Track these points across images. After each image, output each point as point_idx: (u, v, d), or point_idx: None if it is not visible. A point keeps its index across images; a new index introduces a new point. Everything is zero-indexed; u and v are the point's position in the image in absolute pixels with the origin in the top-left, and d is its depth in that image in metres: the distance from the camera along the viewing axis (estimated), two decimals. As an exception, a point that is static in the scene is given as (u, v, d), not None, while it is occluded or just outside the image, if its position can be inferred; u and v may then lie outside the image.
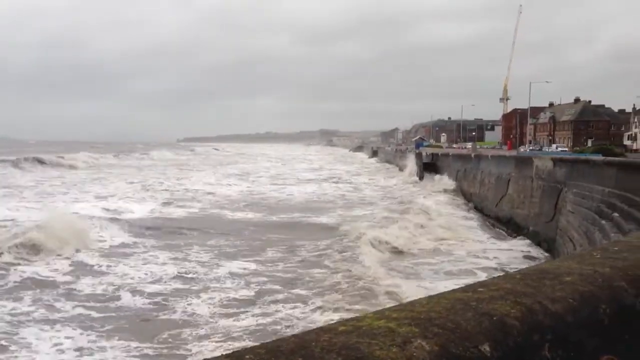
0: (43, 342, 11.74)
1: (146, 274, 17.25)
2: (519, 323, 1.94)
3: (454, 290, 2.35)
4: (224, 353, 1.73)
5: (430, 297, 2.25)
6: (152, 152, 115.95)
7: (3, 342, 11.64)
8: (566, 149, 64.55)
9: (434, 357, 1.68)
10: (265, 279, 16.83)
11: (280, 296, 15.07)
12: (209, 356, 2.20)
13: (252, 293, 15.38)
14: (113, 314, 13.79)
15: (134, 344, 11.74)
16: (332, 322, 2.00)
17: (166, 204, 35.01)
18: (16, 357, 11.04)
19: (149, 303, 14.67)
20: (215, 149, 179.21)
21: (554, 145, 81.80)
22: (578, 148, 69.70)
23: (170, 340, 12.08)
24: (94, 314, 13.66)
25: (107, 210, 30.39)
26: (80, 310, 13.94)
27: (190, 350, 11.53)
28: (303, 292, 15.46)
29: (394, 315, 1.93)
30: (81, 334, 12.34)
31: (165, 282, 16.57)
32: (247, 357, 1.61)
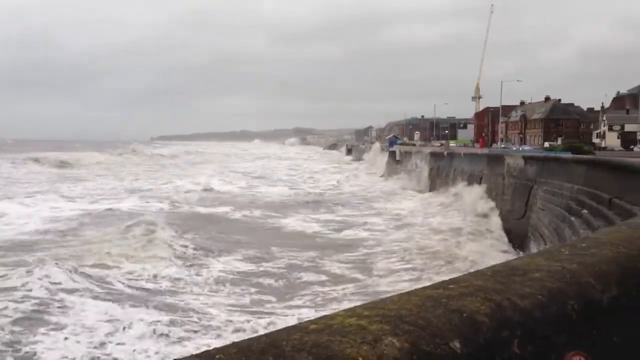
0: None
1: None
2: (488, 319, 1.96)
3: (424, 288, 2.36)
4: (193, 353, 1.71)
5: (401, 294, 2.26)
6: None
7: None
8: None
9: (404, 354, 1.68)
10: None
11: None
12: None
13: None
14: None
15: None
16: (304, 320, 2.00)
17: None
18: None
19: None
20: (196, 149, 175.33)
21: (546, 144, 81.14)
22: (548, 146, 70.70)
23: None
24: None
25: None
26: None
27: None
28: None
29: (365, 313, 1.93)
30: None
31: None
32: (218, 356, 1.59)
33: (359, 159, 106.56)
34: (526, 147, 69.91)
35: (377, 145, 65.10)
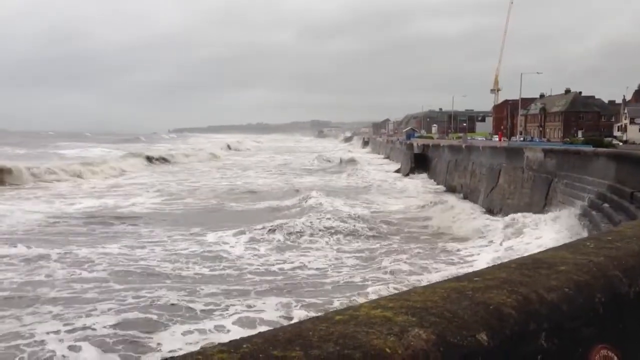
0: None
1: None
2: (515, 312, 1.94)
3: (448, 280, 2.35)
4: (220, 342, 1.72)
5: (425, 286, 2.25)
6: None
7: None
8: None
9: (431, 346, 1.67)
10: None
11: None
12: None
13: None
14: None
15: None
16: (328, 312, 2.00)
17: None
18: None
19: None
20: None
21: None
22: (568, 139, 69.95)
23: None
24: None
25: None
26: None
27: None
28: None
29: (390, 304, 1.93)
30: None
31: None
32: (245, 346, 1.60)
33: (375, 152, 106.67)
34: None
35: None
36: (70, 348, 10.11)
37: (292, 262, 16.77)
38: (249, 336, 1.70)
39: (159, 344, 10.46)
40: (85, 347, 10.16)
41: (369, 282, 14.58)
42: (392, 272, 15.49)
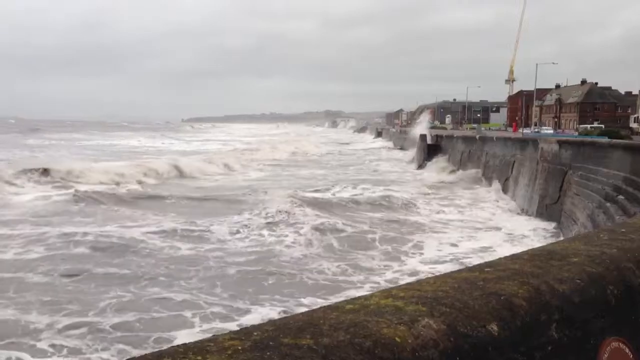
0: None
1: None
2: (526, 303, 1.94)
3: (460, 270, 2.35)
4: (232, 330, 1.73)
5: (437, 276, 2.25)
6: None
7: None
8: None
9: (441, 335, 1.68)
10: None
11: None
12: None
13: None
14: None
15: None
16: (339, 301, 2.01)
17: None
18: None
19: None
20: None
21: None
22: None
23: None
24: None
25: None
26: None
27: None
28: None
29: (401, 294, 1.94)
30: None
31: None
32: (255, 333, 1.61)
33: (389, 142, 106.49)
34: None
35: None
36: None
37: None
38: (259, 324, 1.71)
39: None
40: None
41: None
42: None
